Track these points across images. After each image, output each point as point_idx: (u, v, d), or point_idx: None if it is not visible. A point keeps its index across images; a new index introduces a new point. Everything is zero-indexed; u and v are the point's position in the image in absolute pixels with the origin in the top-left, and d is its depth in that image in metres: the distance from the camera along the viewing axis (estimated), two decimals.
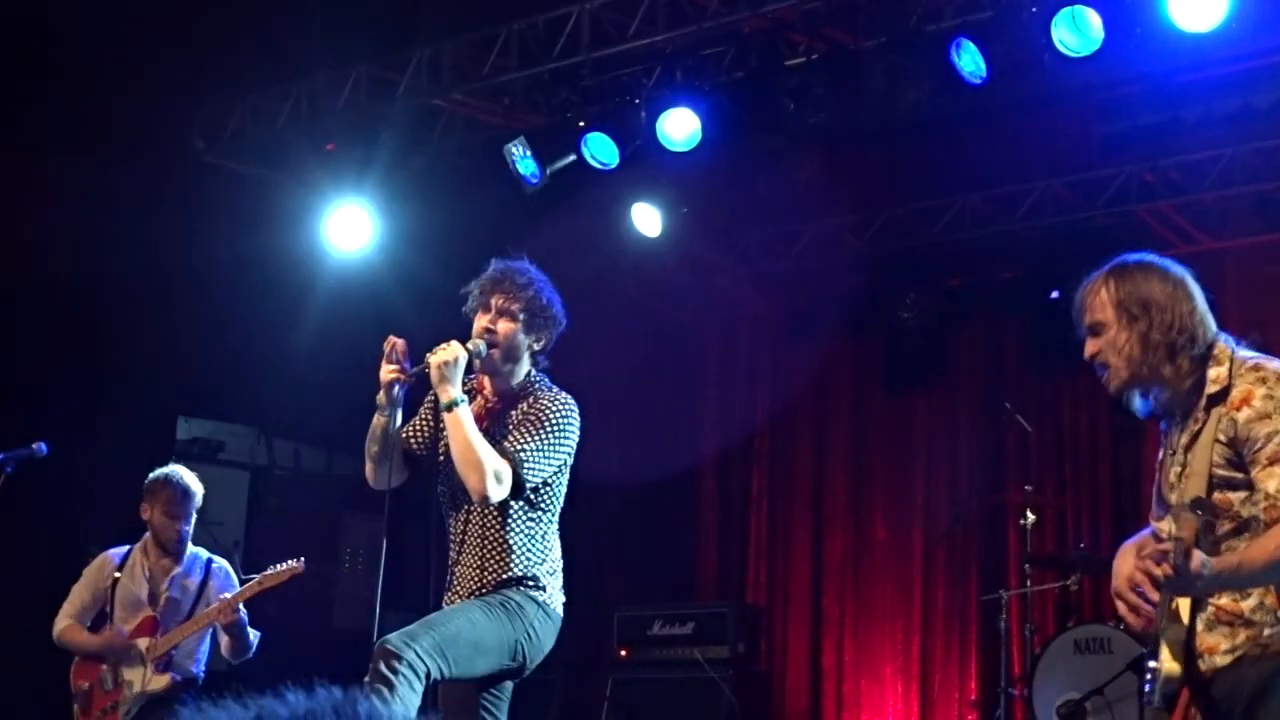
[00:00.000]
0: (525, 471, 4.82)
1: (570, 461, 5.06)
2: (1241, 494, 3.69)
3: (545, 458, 4.86)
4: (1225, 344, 3.87)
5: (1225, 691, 3.72)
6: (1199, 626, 3.75)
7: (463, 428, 4.79)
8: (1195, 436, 3.80)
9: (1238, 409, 3.70)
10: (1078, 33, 7.13)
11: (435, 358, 4.84)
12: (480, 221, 9.05)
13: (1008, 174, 10.13)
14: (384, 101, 9.04)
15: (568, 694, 9.81)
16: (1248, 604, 3.71)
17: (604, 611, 10.11)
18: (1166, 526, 3.82)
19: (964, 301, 10.84)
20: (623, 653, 10.01)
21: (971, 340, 11.08)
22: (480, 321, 5.00)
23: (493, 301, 5.00)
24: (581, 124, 8.47)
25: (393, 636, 4.66)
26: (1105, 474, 10.56)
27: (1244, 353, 3.86)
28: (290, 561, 6.84)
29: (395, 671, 4.54)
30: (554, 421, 4.90)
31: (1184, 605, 3.76)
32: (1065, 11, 7.07)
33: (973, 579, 10.70)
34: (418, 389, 5.03)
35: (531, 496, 4.94)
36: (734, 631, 9.76)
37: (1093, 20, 7.06)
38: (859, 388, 11.40)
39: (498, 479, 4.76)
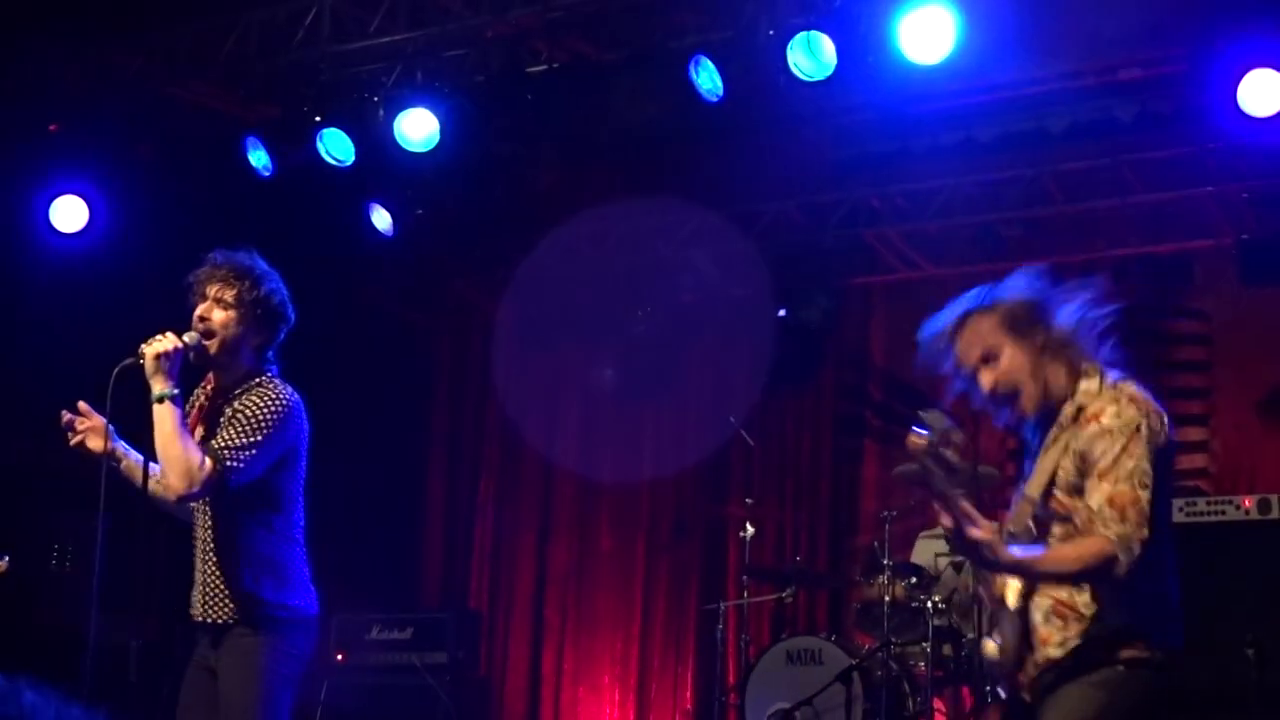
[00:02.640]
0: (226, 466, 4.64)
1: (296, 459, 4.89)
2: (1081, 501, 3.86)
3: (250, 452, 4.68)
4: (1099, 366, 4.02)
5: (1057, 682, 3.89)
6: (1037, 618, 3.92)
7: (166, 422, 4.64)
8: (1053, 441, 3.96)
9: (1088, 423, 3.87)
10: (812, 58, 7.29)
11: (150, 349, 4.68)
12: (211, 214, 8.84)
13: (742, 193, 10.31)
14: (114, 84, 8.76)
15: None
16: (1082, 599, 3.87)
17: (322, 615, 9.93)
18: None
19: (695, 316, 10.99)
20: (339, 657, 9.86)
21: (701, 355, 11.24)
22: (196, 311, 4.83)
23: (209, 290, 4.82)
24: (318, 119, 8.34)
25: None
26: (824, 491, 10.83)
27: (1114, 373, 4.02)
28: None
29: None
30: (262, 415, 4.71)
31: (1010, 593, 3.94)
32: (801, 36, 7.23)
33: (693, 589, 10.86)
34: None
35: (252, 498, 4.79)
36: (453, 637, 9.71)
37: (827, 46, 7.23)
38: (588, 398, 11.46)
39: (196, 475, 4.60)
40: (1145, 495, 3.75)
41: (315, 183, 8.61)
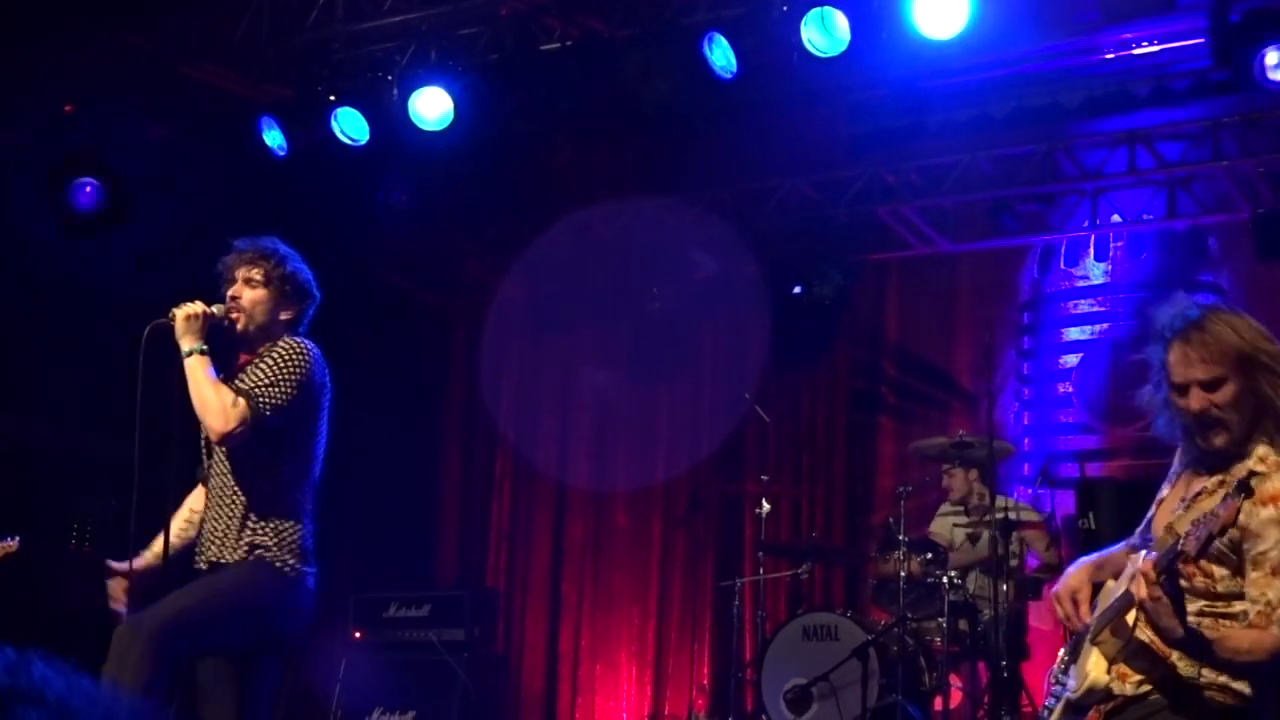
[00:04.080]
0: (259, 402, 4.85)
1: (319, 411, 5.05)
2: (1226, 571, 3.70)
3: (278, 390, 4.88)
4: None
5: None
6: (1128, 652, 3.78)
7: (198, 372, 4.87)
8: (1211, 494, 3.75)
9: (1264, 504, 3.63)
10: (826, 34, 7.28)
11: (181, 311, 4.93)
12: (226, 194, 8.86)
13: (755, 170, 10.31)
14: (128, 66, 8.77)
15: (301, 675, 9.66)
16: (1178, 652, 3.72)
17: (340, 593, 10.00)
18: (1138, 558, 3.79)
19: (709, 294, 11.00)
20: (357, 634, 9.91)
21: (715, 332, 11.25)
22: (228, 293, 5.07)
23: (238, 273, 5.08)
24: (332, 98, 8.35)
25: (128, 621, 4.69)
26: (839, 467, 10.83)
27: None
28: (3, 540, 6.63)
29: (130, 653, 4.56)
30: (286, 359, 4.94)
31: (1130, 616, 3.77)
32: (815, 12, 7.22)
33: (709, 566, 10.88)
34: None
35: (272, 450, 4.91)
36: (471, 615, 9.75)
37: (840, 22, 7.22)
38: (605, 373, 11.49)
39: (231, 414, 4.80)
40: None
41: (330, 162, 8.62)
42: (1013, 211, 9.84)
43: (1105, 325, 10.04)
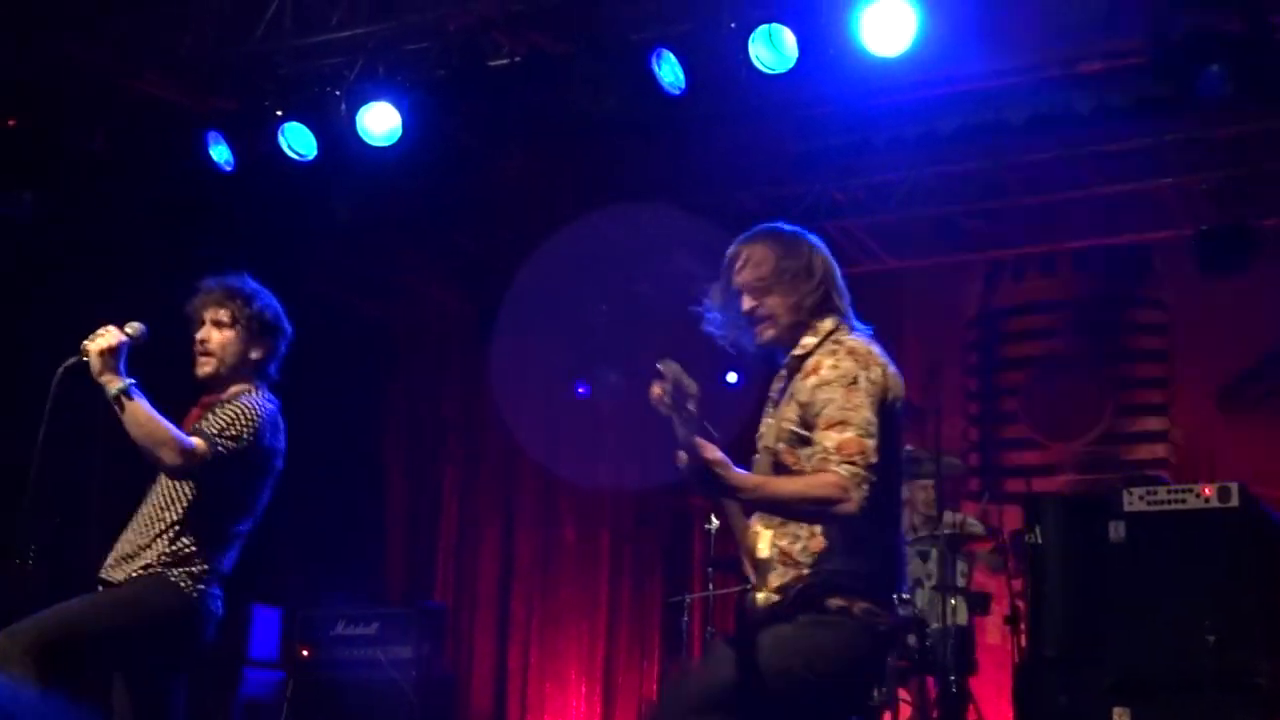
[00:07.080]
0: (217, 450, 4.69)
1: (264, 475, 4.94)
2: (808, 450, 3.97)
3: (233, 444, 4.74)
4: (834, 322, 4.20)
5: (765, 623, 3.99)
6: (771, 568, 4.02)
7: (138, 413, 4.63)
8: (782, 394, 4.19)
9: (809, 376, 4.05)
10: (774, 51, 7.31)
11: (94, 344, 4.68)
12: (168, 208, 8.80)
13: (704, 186, 10.31)
14: (71, 77, 8.69)
15: (246, 693, 9.57)
16: (796, 547, 3.98)
17: (287, 611, 9.92)
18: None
19: (656, 308, 10.99)
20: (304, 653, 9.83)
21: (662, 346, 11.22)
22: (197, 336, 4.95)
23: (205, 315, 4.95)
24: (279, 113, 8.31)
25: (7, 629, 4.49)
26: None
27: (845, 326, 4.20)
28: None
29: (10, 660, 4.39)
30: (248, 414, 4.80)
31: (762, 545, 4.05)
32: (763, 29, 7.24)
33: (657, 582, 10.88)
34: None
35: (214, 497, 4.80)
36: (418, 633, 9.68)
37: (788, 40, 7.25)
38: (550, 388, 11.46)
39: (186, 451, 4.62)
40: (871, 444, 3.84)
41: (277, 177, 8.57)
42: (959, 228, 9.90)
43: (1051, 341, 10.10)
